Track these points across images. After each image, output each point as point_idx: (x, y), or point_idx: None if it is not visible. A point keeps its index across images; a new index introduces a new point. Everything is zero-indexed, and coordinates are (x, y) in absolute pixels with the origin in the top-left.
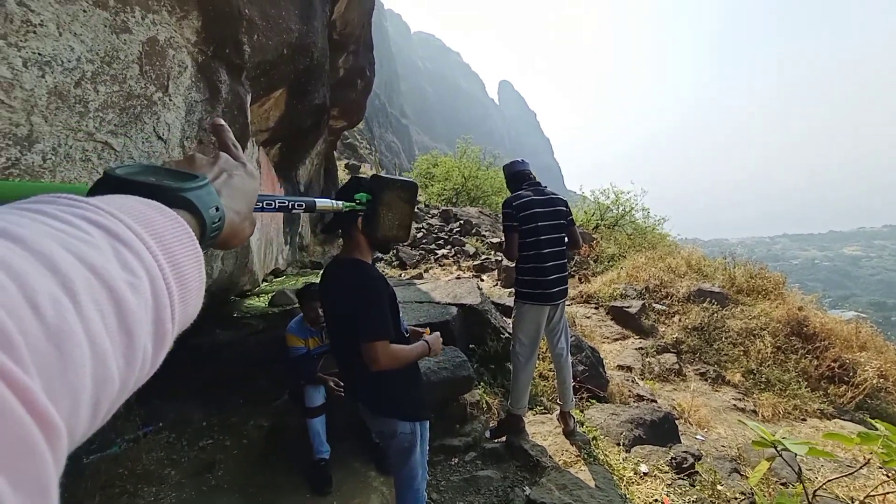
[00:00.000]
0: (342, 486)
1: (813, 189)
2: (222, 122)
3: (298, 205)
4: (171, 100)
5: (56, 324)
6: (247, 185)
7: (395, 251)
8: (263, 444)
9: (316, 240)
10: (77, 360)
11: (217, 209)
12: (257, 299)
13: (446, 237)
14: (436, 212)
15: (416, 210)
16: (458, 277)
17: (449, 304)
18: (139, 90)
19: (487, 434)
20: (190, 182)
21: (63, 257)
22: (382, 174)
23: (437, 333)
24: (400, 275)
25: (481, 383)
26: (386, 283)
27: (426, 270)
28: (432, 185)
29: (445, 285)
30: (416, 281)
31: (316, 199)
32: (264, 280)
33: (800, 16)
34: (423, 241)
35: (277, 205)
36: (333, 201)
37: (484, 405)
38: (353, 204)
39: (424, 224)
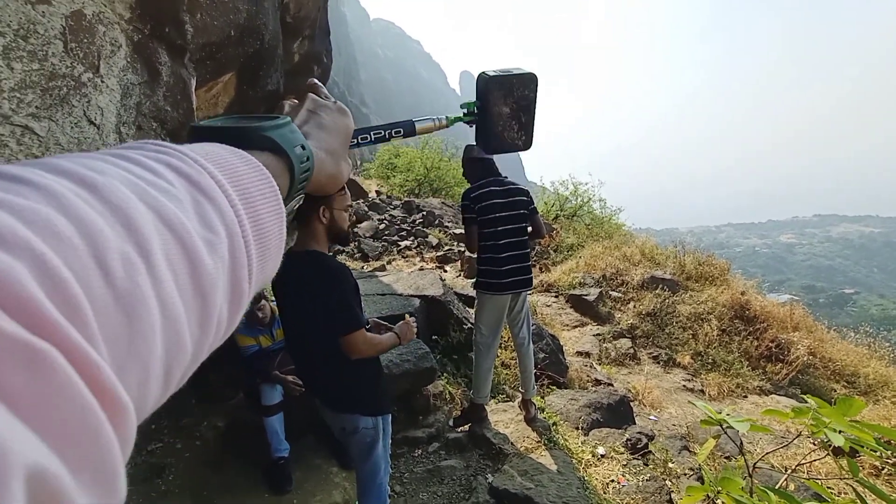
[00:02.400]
0: (303, 484)
1: (752, 180)
2: (316, 80)
3: (396, 131)
4: (103, 81)
5: (127, 287)
6: (338, 123)
7: (356, 242)
8: (218, 445)
9: None
10: (148, 327)
11: (304, 147)
12: None
13: (409, 228)
14: (398, 203)
15: (536, 109)
16: (421, 269)
17: (411, 295)
18: (64, 69)
19: (451, 424)
20: (271, 121)
21: (139, 210)
22: (490, 72)
23: (409, 319)
24: (362, 267)
25: (444, 374)
26: (349, 272)
27: (389, 262)
28: (394, 176)
29: (408, 277)
30: (378, 273)
31: (415, 121)
32: None
33: (746, 13)
34: (386, 232)
35: (374, 136)
36: (435, 118)
37: (447, 395)
38: (461, 115)
39: (386, 216)
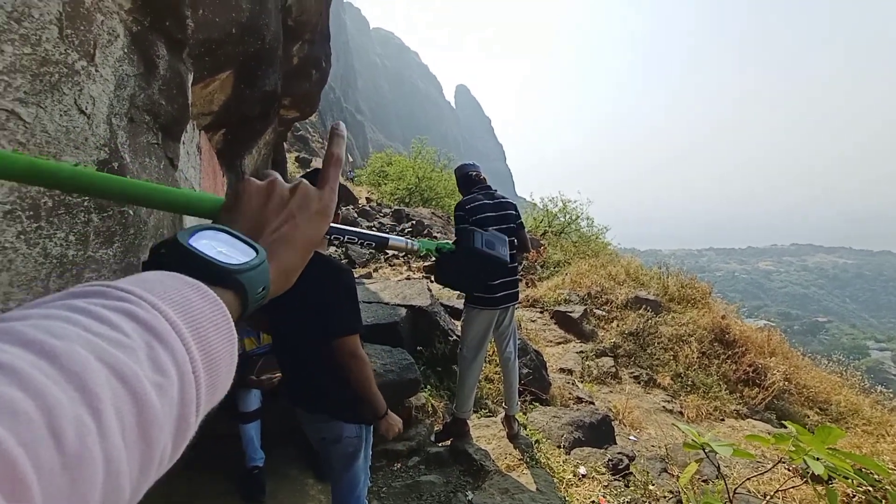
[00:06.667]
0: (277, 495)
1: (734, 207)
2: (339, 153)
3: (368, 243)
4: (97, 71)
5: (75, 450)
6: (312, 231)
7: (344, 248)
8: (189, 450)
9: None
10: (89, 487)
11: (263, 289)
12: None
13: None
14: (388, 211)
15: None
16: (408, 278)
17: (398, 304)
18: (58, 56)
19: (432, 438)
20: (248, 259)
21: (93, 371)
22: (477, 238)
23: (399, 420)
24: None
25: (428, 386)
26: (352, 273)
27: (376, 270)
28: (385, 184)
29: (395, 286)
30: (364, 280)
31: (389, 237)
32: None
33: (755, 40)
34: None
35: (346, 239)
36: (408, 241)
37: (430, 408)
38: (432, 249)
39: (376, 223)
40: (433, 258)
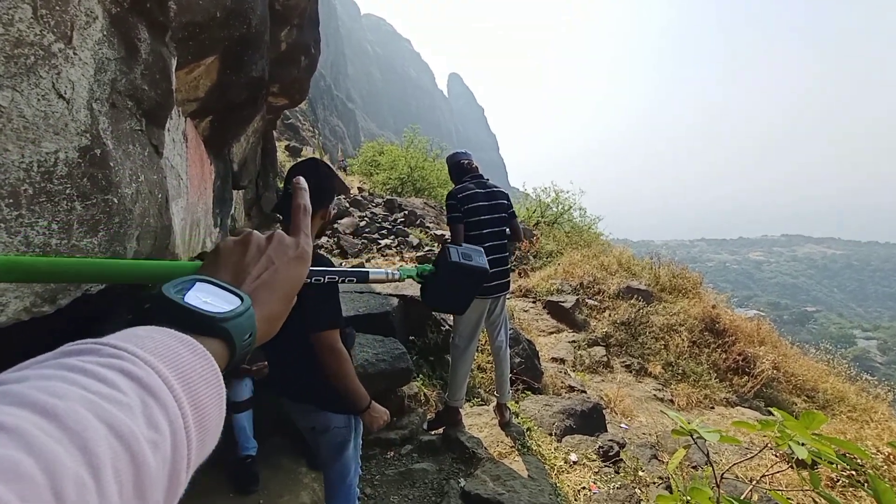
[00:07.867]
0: (269, 484)
1: (726, 198)
2: (305, 203)
3: (350, 280)
4: (75, 53)
5: None
6: (291, 277)
7: (335, 238)
8: None
9: (250, 223)
10: None
11: (250, 335)
12: None
13: (390, 227)
14: (380, 201)
15: (477, 291)
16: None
17: (390, 294)
18: (33, 37)
19: (425, 426)
20: (233, 307)
21: (94, 429)
22: (453, 253)
23: (383, 411)
24: (341, 263)
25: (420, 375)
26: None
27: (368, 260)
28: (377, 174)
29: None
30: None
31: (369, 271)
32: None
33: (742, 31)
34: (366, 230)
35: (327, 279)
36: (388, 272)
37: (422, 397)
38: (413, 274)
39: (368, 213)
40: (418, 281)
